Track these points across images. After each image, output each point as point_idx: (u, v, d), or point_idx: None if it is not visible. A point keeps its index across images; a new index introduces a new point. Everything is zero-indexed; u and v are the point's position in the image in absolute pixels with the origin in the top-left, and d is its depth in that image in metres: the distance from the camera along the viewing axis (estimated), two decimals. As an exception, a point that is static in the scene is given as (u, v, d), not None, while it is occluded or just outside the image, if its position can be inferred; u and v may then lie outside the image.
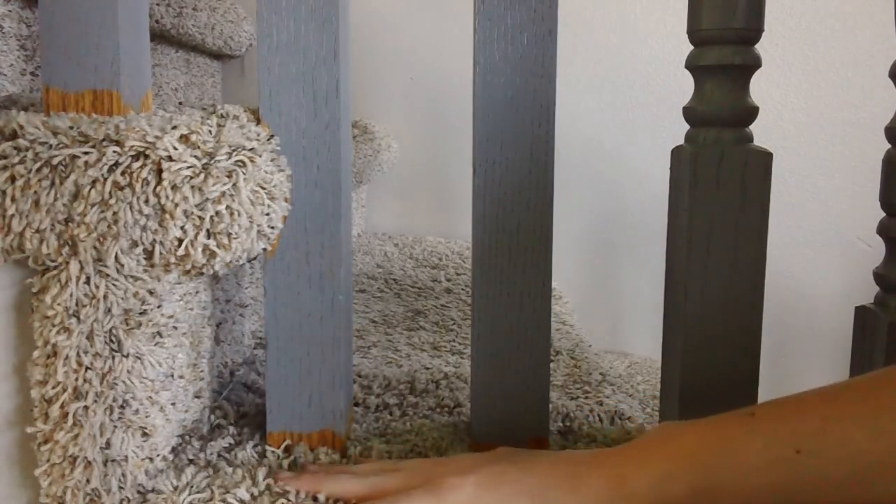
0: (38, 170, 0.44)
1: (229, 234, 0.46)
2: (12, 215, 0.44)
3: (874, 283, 0.66)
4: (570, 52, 1.39)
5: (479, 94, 0.52)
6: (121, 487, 0.48)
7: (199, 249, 0.46)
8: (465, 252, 1.28)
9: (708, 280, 0.56)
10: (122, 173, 0.44)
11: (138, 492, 0.49)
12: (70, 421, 0.46)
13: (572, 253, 1.46)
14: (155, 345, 0.48)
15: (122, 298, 0.46)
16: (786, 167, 1.40)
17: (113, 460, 0.48)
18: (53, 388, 0.46)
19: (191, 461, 0.53)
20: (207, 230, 0.45)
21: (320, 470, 0.52)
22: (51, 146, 0.44)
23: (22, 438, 0.49)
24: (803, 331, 1.45)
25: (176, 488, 0.50)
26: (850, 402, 0.40)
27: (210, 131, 0.47)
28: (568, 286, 1.44)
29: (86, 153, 0.44)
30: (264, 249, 0.53)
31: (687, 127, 0.58)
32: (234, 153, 0.47)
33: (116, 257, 0.45)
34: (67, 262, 0.45)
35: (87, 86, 0.48)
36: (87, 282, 0.45)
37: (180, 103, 0.71)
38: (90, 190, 0.44)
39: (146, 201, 0.44)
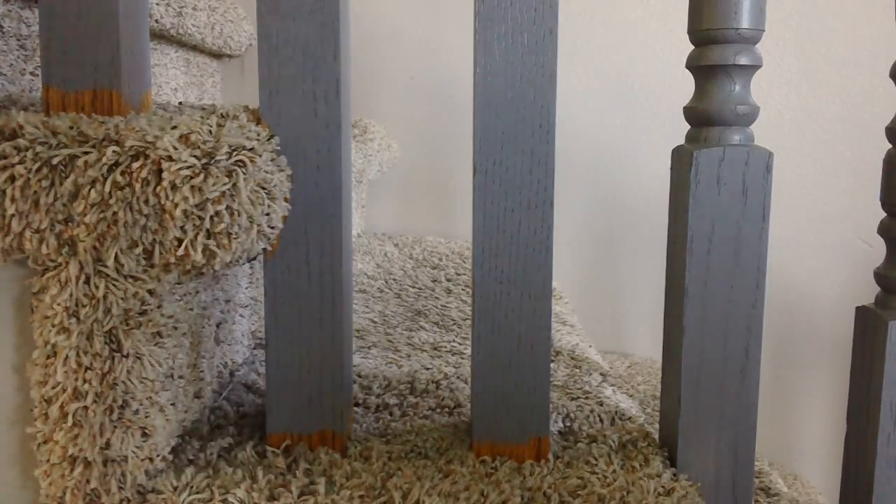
0: (38, 170, 0.44)
1: (229, 234, 0.46)
2: (12, 215, 0.44)
3: (875, 283, 0.66)
4: (570, 52, 1.39)
5: (479, 94, 0.52)
6: (120, 488, 0.48)
7: (199, 249, 0.45)
8: (465, 252, 1.28)
9: (708, 280, 0.56)
10: (122, 173, 0.44)
11: (138, 492, 0.49)
12: (70, 421, 0.46)
13: (572, 253, 1.46)
14: (155, 345, 0.48)
15: (122, 298, 0.46)
16: (786, 167, 1.40)
17: (113, 460, 0.48)
18: (53, 388, 0.46)
19: (191, 461, 0.53)
20: (207, 230, 0.45)
21: None
22: (50, 146, 0.44)
23: (22, 438, 0.49)
24: (803, 331, 1.45)
25: (176, 488, 0.50)
26: None
27: (210, 131, 0.47)
28: (568, 286, 1.44)
29: (85, 153, 0.44)
30: (264, 249, 0.53)
31: (687, 127, 0.58)
32: (234, 153, 0.47)
33: (116, 257, 0.45)
34: (67, 263, 0.45)
35: (86, 86, 0.48)
36: (87, 282, 0.45)
37: (180, 103, 0.71)
38: (90, 190, 0.44)
39: (146, 201, 0.44)
